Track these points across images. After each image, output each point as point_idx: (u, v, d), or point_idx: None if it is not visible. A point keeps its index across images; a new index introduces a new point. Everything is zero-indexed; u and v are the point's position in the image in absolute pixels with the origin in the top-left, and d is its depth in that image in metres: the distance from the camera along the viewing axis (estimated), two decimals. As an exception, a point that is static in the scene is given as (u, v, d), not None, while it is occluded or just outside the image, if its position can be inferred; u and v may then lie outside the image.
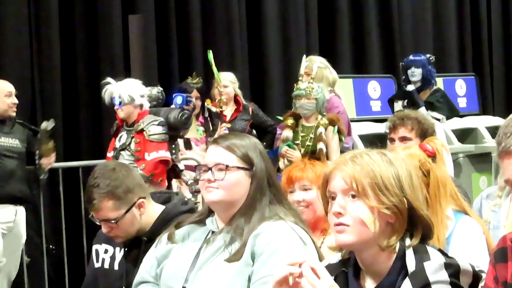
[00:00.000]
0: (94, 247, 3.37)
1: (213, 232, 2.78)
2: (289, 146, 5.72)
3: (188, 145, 6.23)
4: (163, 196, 3.35)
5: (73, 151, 6.79)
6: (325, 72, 6.24)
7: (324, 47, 8.24)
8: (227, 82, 6.60)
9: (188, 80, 6.34)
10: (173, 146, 5.55)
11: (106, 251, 3.32)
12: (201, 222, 2.84)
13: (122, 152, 5.45)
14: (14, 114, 5.65)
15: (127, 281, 3.14)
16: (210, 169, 2.73)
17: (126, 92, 5.44)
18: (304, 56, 6.15)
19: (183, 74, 7.39)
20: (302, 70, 5.93)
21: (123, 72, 6.52)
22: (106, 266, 3.29)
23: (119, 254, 3.26)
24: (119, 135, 5.58)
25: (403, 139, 4.25)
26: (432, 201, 2.98)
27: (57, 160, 6.61)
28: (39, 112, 6.63)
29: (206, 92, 6.42)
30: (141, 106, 5.53)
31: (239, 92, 6.85)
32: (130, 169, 3.27)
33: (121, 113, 5.52)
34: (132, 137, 5.45)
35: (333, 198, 2.15)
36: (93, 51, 7.01)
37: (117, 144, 5.55)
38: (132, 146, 5.44)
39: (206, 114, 6.24)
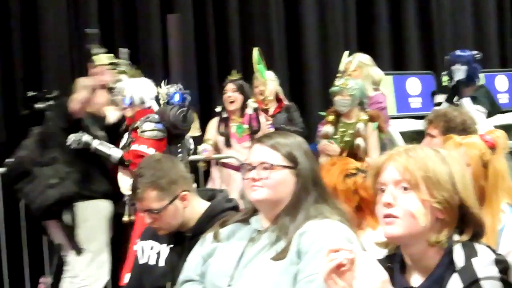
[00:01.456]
0: (140, 243, 3.39)
1: (258, 231, 2.77)
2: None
3: (228, 142, 6.21)
4: (208, 193, 3.36)
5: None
6: (370, 70, 6.23)
7: (363, 44, 8.20)
8: (268, 80, 6.59)
9: (228, 77, 6.33)
10: (179, 145, 5.52)
11: (152, 248, 3.33)
12: (245, 221, 2.84)
13: None
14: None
15: (173, 278, 3.15)
16: (254, 167, 2.73)
17: (138, 95, 5.41)
18: (346, 52, 6.12)
19: (221, 72, 7.40)
20: (342, 67, 5.91)
21: (162, 71, 6.55)
22: (152, 262, 3.31)
23: (165, 250, 3.28)
24: (124, 135, 5.56)
25: (430, 136, 4.25)
26: (489, 192, 2.97)
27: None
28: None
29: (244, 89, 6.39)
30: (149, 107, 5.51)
31: (279, 89, 6.85)
32: (175, 161, 3.29)
33: (128, 113, 5.49)
34: (130, 136, 5.45)
35: (383, 191, 2.13)
36: (132, 50, 6.99)
37: (121, 144, 5.51)
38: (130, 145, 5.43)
39: (250, 112, 6.20)
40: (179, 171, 3.22)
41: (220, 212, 3.19)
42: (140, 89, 5.43)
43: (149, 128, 5.36)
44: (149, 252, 3.33)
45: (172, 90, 5.58)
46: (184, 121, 5.39)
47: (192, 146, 5.76)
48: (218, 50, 7.50)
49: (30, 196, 5.01)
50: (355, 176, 3.15)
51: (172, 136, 5.43)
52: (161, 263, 3.27)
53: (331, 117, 5.82)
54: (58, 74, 6.61)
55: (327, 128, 5.82)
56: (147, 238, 3.36)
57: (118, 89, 5.50)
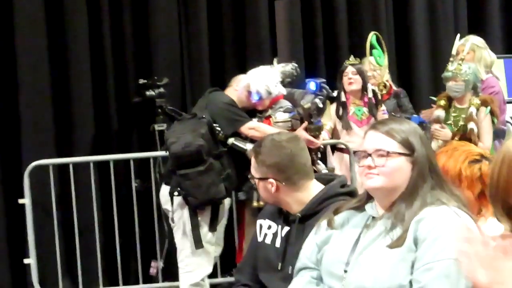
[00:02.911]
0: (258, 221, 3.44)
1: (373, 217, 2.75)
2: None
3: (348, 125, 6.13)
4: (327, 178, 3.39)
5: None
6: (484, 53, 6.10)
7: (474, 27, 8.01)
8: (373, 66, 6.50)
9: (346, 62, 6.25)
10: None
11: (269, 227, 3.37)
12: (360, 207, 2.82)
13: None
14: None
15: (284, 259, 3.22)
16: (369, 155, 2.70)
17: (264, 88, 5.35)
18: (458, 35, 6.00)
19: (329, 58, 7.37)
20: (454, 50, 5.80)
21: (270, 57, 6.55)
22: (268, 241, 3.34)
23: (281, 231, 3.31)
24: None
25: None
26: None
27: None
28: (189, 97, 6.75)
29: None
30: None
31: (388, 75, 6.73)
32: (287, 150, 3.27)
33: (259, 107, 5.46)
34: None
35: None
36: (240, 36, 7.07)
37: None
38: None
39: (370, 95, 6.11)
40: (278, 161, 3.25)
41: (333, 196, 3.21)
42: (263, 82, 5.35)
43: (283, 119, 5.35)
44: (266, 230, 3.37)
45: (288, 68, 5.54)
46: (320, 111, 5.34)
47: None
48: (326, 36, 7.45)
49: (201, 186, 5.01)
50: (480, 163, 3.06)
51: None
52: (277, 244, 3.30)
53: (442, 102, 5.73)
54: (168, 61, 6.70)
55: (438, 112, 5.74)
56: (265, 217, 3.41)
57: (243, 80, 5.48)
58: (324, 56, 7.40)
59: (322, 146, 5.43)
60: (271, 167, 3.25)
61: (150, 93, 6.30)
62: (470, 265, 1.90)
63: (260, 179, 3.30)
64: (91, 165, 5.93)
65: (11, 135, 6.18)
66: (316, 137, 5.34)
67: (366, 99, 6.11)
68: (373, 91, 6.12)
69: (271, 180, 3.25)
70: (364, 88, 6.12)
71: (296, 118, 5.36)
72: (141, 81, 6.39)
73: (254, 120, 5.43)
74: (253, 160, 3.33)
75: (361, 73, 6.13)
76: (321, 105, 5.30)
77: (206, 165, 5.02)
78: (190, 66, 6.85)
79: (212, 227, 5.15)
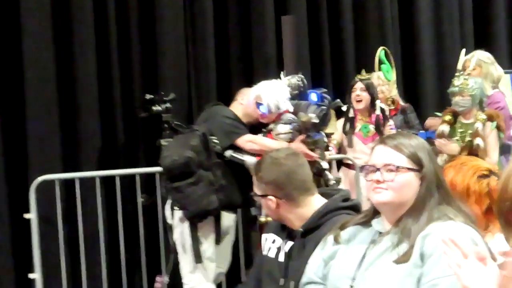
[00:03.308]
0: (264, 235, 3.45)
1: (379, 233, 2.74)
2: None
3: (350, 143, 6.13)
4: (332, 193, 3.39)
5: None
6: (491, 68, 6.10)
7: (480, 41, 8.01)
8: (381, 81, 6.50)
9: (357, 76, 6.24)
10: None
11: (273, 241, 3.37)
12: (366, 223, 2.82)
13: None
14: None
15: (285, 274, 3.22)
16: (378, 169, 2.69)
17: (274, 102, 5.32)
18: (463, 50, 6.00)
19: (335, 72, 7.37)
20: (460, 65, 5.80)
21: (276, 72, 6.54)
22: (271, 255, 3.35)
23: (285, 246, 3.30)
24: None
25: None
26: None
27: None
28: (195, 113, 6.74)
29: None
30: None
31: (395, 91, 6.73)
32: (285, 168, 3.27)
33: (264, 120, 5.43)
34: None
35: None
36: (247, 51, 7.08)
37: None
38: None
39: (378, 112, 6.10)
40: (275, 178, 3.26)
41: (334, 210, 3.22)
42: (275, 96, 5.32)
43: (285, 130, 5.33)
44: (270, 244, 3.37)
45: (294, 81, 5.52)
46: (323, 121, 5.32)
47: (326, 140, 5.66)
48: (332, 51, 7.46)
49: (191, 197, 5.02)
50: (488, 178, 3.05)
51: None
52: (280, 258, 3.30)
53: (448, 117, 5.72)
54: (175, 76, 6.71)
55: (442, 127, 5.73)
56: (271, 231, 3.42)
57: (253, 93, 5.47)
58: (331, 70, 7.41)
59: (319, 159, 5.39)
60: (269, 184, 3.27)
61: (156, 108, 6.31)
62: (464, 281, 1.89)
63: (261, 196, 3.32)
64: (97, 180, 5.92)
65: (17, 150, 6.17)
66: (313, 150, 5.32)
67: (373, 116, 6.10)
68: (381, 108, 6.11)
69: (270, 197, 3.27)
70: (372, 104, 6.11)
71: (296, 129, 5.34)
72: (148, 96, 6.40)
73: (260, 135, 5.42)
74: (254, 178, 3.36)
75: (369, 88, 6.12)
76: (317, 121, 5.27)
77: (196, 176, 5.03)
78: (196, 82, 6.85)
79: (216, 240, 5.15)
